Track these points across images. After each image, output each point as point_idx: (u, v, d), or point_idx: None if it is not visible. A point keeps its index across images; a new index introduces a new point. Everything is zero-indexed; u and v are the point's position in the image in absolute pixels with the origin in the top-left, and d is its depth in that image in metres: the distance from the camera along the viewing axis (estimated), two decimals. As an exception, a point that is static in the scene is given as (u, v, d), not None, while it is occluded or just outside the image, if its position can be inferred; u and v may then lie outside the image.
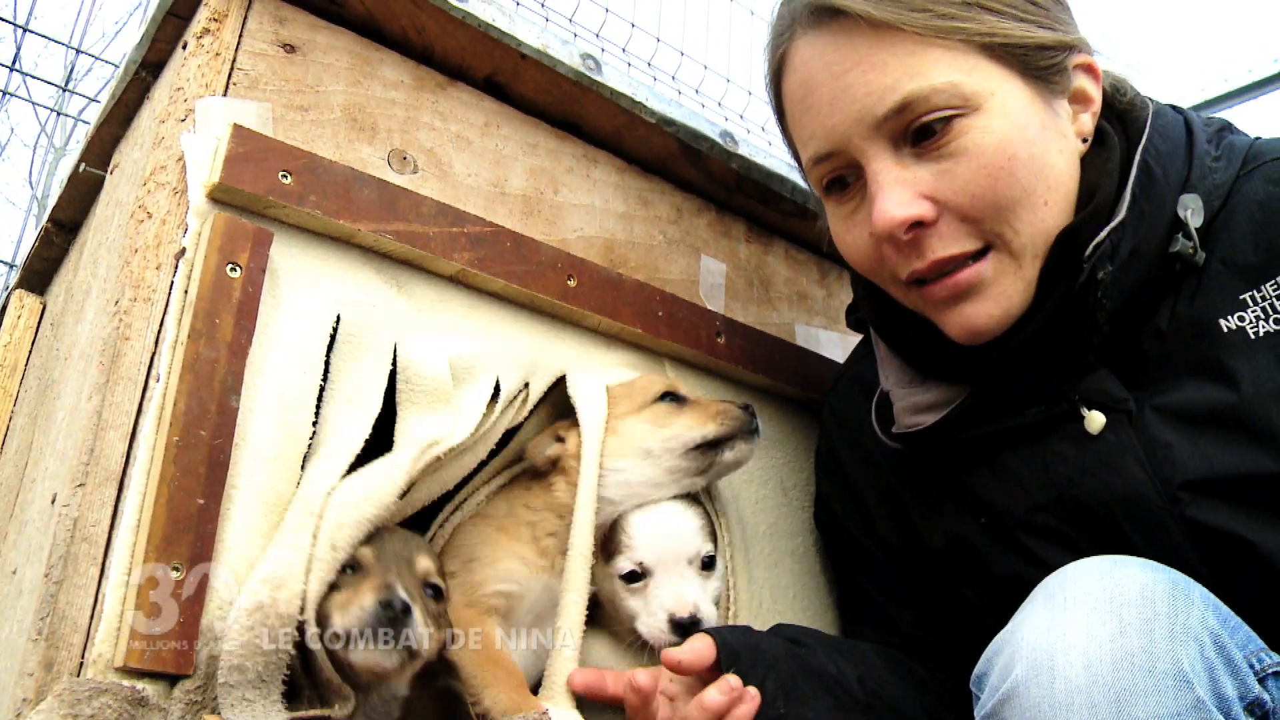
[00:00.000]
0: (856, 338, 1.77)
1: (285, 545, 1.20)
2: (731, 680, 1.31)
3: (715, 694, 1.30)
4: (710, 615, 1.48)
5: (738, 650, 1.36)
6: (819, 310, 2.08)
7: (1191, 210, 1.29)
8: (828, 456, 1.72)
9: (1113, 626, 1.02)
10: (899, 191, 1.27)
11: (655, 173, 1.89)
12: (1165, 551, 1.21)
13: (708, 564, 1.54)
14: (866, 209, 1.31)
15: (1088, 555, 1.25)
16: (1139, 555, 1.17)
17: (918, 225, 1.28)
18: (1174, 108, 1.41)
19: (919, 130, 1.26)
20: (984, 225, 1.27)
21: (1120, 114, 1.38)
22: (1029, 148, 1.26)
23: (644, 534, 1.50)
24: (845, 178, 1.35)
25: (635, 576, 1.49)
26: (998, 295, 1.30)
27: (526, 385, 1.53)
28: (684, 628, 1.44)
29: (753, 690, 1.31)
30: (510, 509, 1.53)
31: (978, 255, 1.29)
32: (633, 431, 1.53)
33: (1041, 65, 1.29)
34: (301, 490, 1.25)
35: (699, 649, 1.36)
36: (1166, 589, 1.06)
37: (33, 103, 6.47)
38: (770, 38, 1.41)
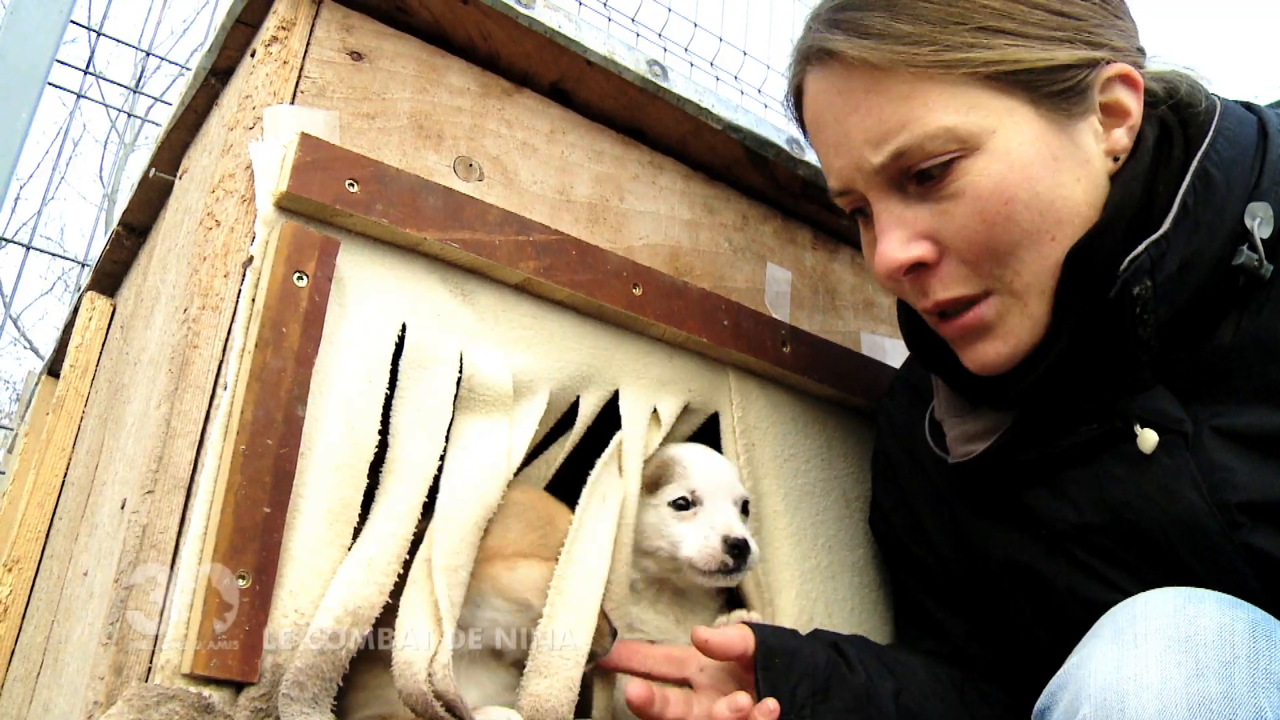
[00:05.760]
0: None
1: (371, 580, 1.21)
2: (740, 700, 1.29)
3: (724, 709, 1.29)
4: (756, 550, 1.52)
5: (775, 650, 1.34)
6: (885, 318, 2.04)
7: (1260, 220, 1.21)
8: (883, 461, 1.69)
9: (1189, 668, 0.96)
10: (898, 234, 1.26)
11: (721, 179, 1.86)
12: (1226, 579, 1.15)
13: (744, 509, 1.59)
14: None
15: (1146, 577, 1.21)
16: (1199, 582, 1.12)
17: (920, 266, 1.27)
18: (1247, 105, 1.33)
19: (919, 174, 1.24)
20: (982, 269, 1.25)
21: (1182, 118, 1.29)
22: (1032, 186, 1.21)
23: (697, 466, 1.56)
24: (864, 209, 1.35)
25: (685, 504, 1.53)
26: (1005, 334, 1.28)
27: (578, 400, 1.53)
28: (738, 548, 1.47)
29: (771, 704, 1.29)
30: None
31: (979, 299, 1.27)
32: None
33: (1056, 90, 1.22)
34: (385, 517, 1.26)
35: (731, 637, 1.33)
36: (1246, 628, 0.99)
37: (105, 104, 6.63)
38: (790, 64, 1.40)
